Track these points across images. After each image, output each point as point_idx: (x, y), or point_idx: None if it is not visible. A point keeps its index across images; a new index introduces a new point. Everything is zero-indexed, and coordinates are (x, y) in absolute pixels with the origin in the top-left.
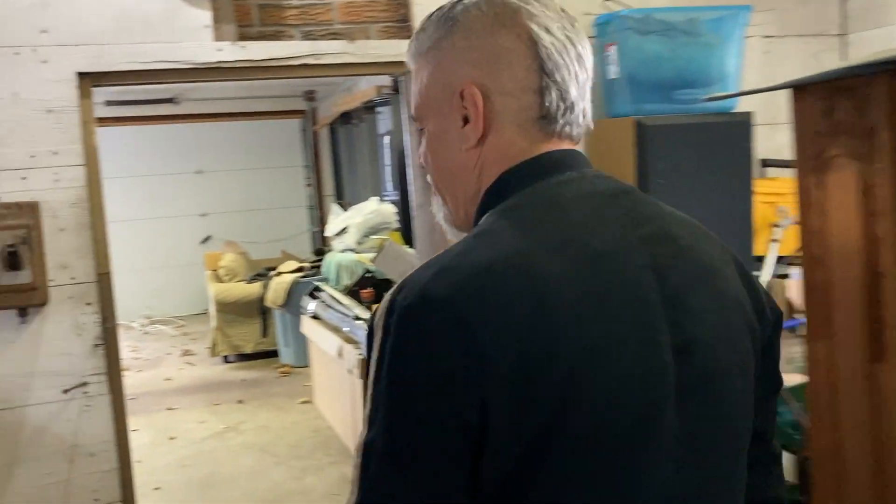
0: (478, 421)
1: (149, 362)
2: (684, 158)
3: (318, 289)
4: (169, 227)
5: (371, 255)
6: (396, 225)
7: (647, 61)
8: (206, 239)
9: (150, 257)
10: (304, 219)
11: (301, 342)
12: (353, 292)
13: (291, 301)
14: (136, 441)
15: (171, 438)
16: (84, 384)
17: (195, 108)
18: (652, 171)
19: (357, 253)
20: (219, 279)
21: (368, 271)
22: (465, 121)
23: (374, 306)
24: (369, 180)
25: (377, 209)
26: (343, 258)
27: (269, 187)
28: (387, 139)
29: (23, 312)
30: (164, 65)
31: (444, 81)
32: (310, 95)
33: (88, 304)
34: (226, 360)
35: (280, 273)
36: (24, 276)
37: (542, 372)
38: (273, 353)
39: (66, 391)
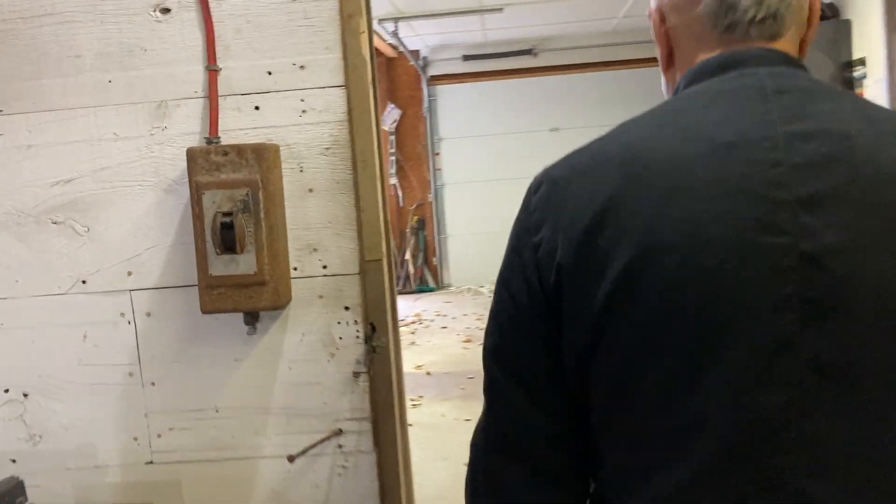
0: (553, 284)
1: None
2: None
3: None
4: (520, 189)
5: None
6: None
7: None
8: None
9: (500, 220)
10: None
11: None
12: None
13: None
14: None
15: None
16: (337, 434)
17: (553, 59)
18: None
19: None
20: None
21: None
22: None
23: None
24: None
25: None
26: None
27: None
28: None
29: (252, 318)
30: None
31: (651, 10)
32: None
33: (347, 308)
34: None
35: None
36: (246, 263)
37: (616, 244)
38: None
39: (289, 459)
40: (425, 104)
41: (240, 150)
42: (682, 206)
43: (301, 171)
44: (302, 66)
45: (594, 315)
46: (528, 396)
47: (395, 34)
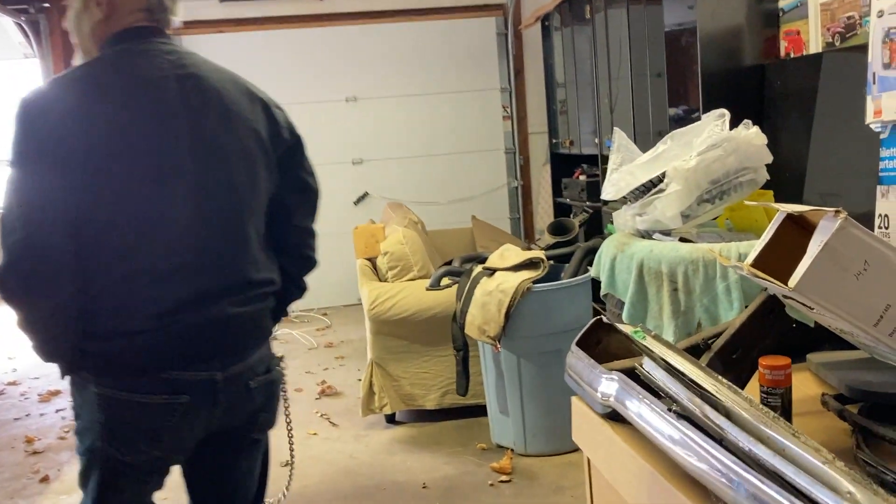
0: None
1: None
2: None
3: (610, 326)
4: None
5: (732, 245)
6: (765, 174)
7: None
8: (362, 198)
9: None
10: (500, 167)
11: (541, 406)
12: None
13: (516, 330)
14: None
15: None
16: None
17: (346, 5)
18: None
19: (685, 240)
20: (377, 274)
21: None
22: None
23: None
24: (616, 106)
25: (729, 139)
26: (659, 251)
27: (450, 120)
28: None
29: None
30: None
31: None
32: None
33: None
34: (390, 420)
35: (490, 270)
36: None
37: (83, 135)
38: (475, 412)
39: None
40: None
41: None
42: (124, 113)
43: None
44: None
45: (86, 187)
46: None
47: None
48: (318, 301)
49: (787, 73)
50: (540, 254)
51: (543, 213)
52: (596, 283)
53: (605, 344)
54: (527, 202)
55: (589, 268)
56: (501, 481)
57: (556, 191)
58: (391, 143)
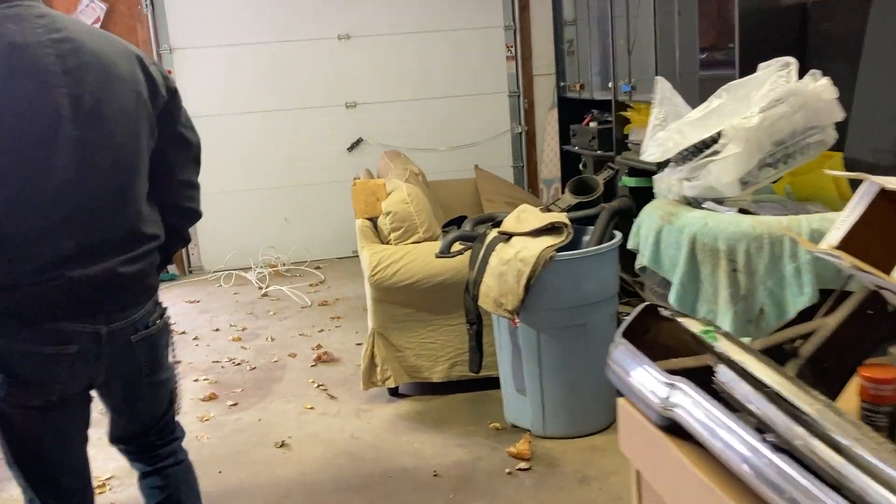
0: None
1: (255, 380)
2: None
3: (652, 310)
4: (300, 125)
5: (801, 218)
6: (834, 133)
7: None
8: (356, 144)
9: (274, 171)
10: (503, 111)
11: (562, 385)
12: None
13: (537, 303)
14: None
15: None
16: None
17: None
18: None
19: (745, 212)
20: (378, 235)
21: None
22: None
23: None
24: (634, 47)
25: (796, 92)
26: (715, 224)
27: (450, 61)
28: None
29: None
30: None
31: None
32: None
33: None
34: (393, 393)
35: (507, 235)
36: None
37: None
38: (486, 384)
39: None
40: None
41: None
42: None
43: None
44: None
45: None
46: None
47: None
48: (310, 253)
49: (833, 14)
50: (563, 217)
51: (549, 162)
52: (624, 249)
53: (653, 333)
54: (531, 149)
55: (615, 232)
56: (520, 469)
57: (564, 138)
58: (387, 85)
